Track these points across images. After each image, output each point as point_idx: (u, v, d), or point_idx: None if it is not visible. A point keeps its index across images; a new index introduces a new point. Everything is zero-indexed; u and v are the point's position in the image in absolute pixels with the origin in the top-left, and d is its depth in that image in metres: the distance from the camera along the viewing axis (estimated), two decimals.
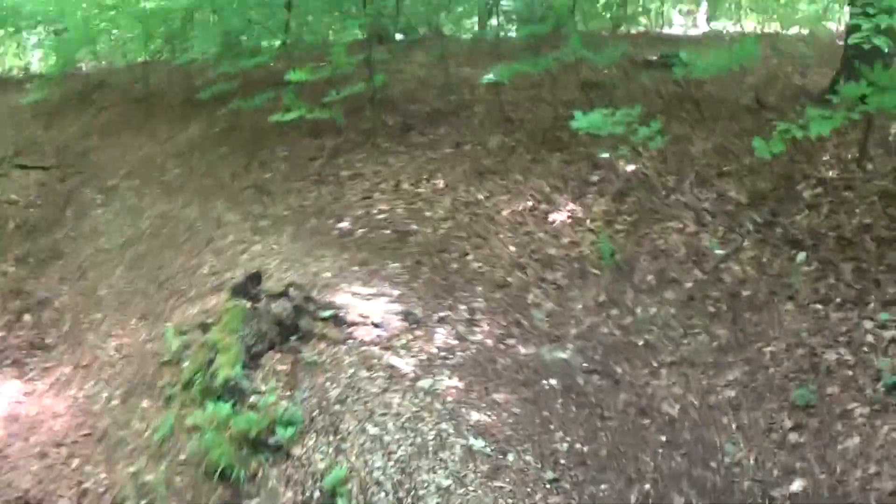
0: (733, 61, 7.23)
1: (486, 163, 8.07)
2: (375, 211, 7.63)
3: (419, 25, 13.14)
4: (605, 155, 7.25)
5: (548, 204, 7.06)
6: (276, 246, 7.14)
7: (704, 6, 15.13)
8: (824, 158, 7.03)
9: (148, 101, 13.49)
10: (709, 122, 8.21)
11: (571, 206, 6.95)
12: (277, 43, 10.86)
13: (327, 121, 9.54)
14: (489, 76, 7.83)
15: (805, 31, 13.03)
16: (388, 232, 7.19)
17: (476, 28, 13.95)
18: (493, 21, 12.71)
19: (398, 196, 7.84)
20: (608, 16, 13.29)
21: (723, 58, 7.20)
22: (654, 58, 11.39)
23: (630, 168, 7.36)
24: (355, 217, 7.61)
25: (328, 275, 6.30)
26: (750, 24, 14.43)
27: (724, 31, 13.30)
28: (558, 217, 6.82)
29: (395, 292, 5.98)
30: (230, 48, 10.85)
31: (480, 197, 7.42)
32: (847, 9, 10.28)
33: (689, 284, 5.76)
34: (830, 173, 6.71)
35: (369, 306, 5.70)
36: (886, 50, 6.72)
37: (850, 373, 4.61)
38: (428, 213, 7.35)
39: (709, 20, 15.16)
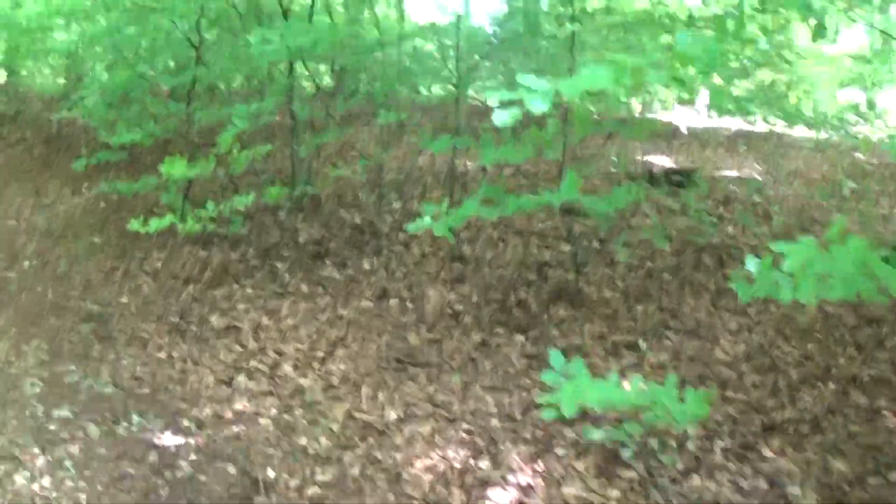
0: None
1: (414, 340, 5.02)
2: (230, 415, 4.51)
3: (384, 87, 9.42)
4: (598, 437, 4.04)
5: (490, 458, 3.96)
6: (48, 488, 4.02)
7: (704, 97, 12.26)
8: None
9: (57, 147, 10.45)
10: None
11: (525, 471, 3.83)
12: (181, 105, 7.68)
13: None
14: (421, 222, 4.58)
15: (815, 134, 10.52)
16: (232, 475, 4.07)
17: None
18: None
19: (273, 387, 4.75)
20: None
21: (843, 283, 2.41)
22: (663, 167, 8.55)
23: None
24: (198, 420, 4.48)
25: None
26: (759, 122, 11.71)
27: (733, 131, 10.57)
28: (505, 499, 3.70)
29: None
30: (121, 107, 7.74)
31: (392, 417, 4.33)
32: None
33: None
34: None
35: None
36: None
37: None
38: (302, 443, 4.22)
39: (709, 110, 12.39)
